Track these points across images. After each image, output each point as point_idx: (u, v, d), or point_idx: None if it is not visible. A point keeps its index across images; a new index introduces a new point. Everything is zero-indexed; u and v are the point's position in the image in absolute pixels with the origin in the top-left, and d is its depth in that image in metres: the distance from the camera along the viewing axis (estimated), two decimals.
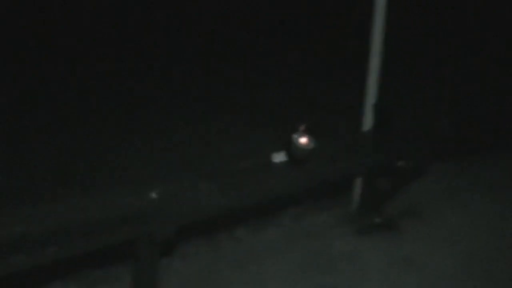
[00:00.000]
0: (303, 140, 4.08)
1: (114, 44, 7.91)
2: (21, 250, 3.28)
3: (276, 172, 4.19)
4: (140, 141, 5.57)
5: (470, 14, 7.78)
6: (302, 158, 4.14)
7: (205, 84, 6.59)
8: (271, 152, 4.20)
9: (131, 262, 3.88)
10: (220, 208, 4.02)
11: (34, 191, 4.62)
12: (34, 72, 7.01)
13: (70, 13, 8.40)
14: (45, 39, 7.75)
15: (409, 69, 6.41)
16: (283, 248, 4.57)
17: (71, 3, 8.56)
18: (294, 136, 4.08)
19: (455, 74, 6.56)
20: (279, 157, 4.18)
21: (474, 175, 5.65)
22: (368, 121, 4.72)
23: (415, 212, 5.05)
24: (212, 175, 4.10)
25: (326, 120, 5.04)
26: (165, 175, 4.66)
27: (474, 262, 4.52)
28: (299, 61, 6.88)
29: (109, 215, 3.66)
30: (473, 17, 7.73)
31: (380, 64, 4.58)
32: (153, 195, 3.77)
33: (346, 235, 4.74)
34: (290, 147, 4.12)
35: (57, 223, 3.49)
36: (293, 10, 7.99)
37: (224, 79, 6.71)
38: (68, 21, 8.24)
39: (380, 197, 4.92)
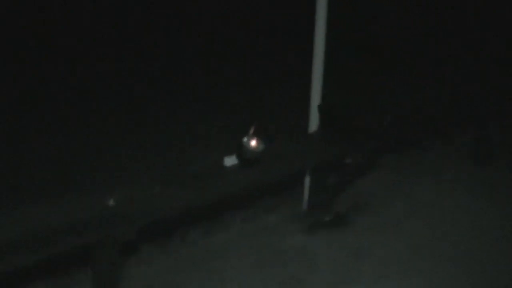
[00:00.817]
0: (253, 143, 4.23)
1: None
2: None
3: (228, 175, 4.32)
4: (95, 148, 5.63)
5: (410, 13, 8.01)
6: (253, 160, 4.29)
7: (156, 91, 6.63)
8: (223, 156, 4.33)
9: (91, 267, 3.97)
10: (175, 211, 4.14)
11: None
12: None
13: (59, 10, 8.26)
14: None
15: (352, 69, 6.61)
16: (236, 248, 4.70)
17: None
18: (244, 139, 4.23)
19: (395, 72, 6.81)
20: (230, 161, 4.31)
21: (416, 166, 5.90)
22: (314, 122, 4.88)
23: (363, 206, 5.24)
24: (166, 179, 4.21)
25: (274, 122, 5.17)
26: (120, 180, 4.73)
27: (420, 249, 4.74)
28: (245, 66, 6.98)
29: (67, 221, 3.74)
30: (412, 15, 7.95)
31: (323, 66, 4.75)
32: (111, 202, 3.87)
33: (298, 232, 4.90)
34: (240, 150, 4.26)
35: (15, 231, 3.55)
36: (237, 14, 8.07)
37: (174, 85, 6.77)
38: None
39: (329, 194, 5.10)
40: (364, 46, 7.12)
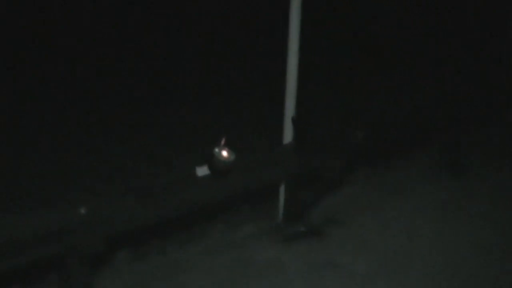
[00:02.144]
0: (224, 153, 4.27)
1: None
2: None
3: (200, 185, 4.36)
4: (68, 159, 5.64)
5: (381, 31, 8.08)
6: (224, 171, 4.33)
7: (128, 101, 6.64)
8: (194, 166, 4.37)
9: (62, 275, 4.00)
10: (147, 221, 4.17)
11: None
12: None
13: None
14: None
15: (324, 85, 6.67)
16: (209, 259, 4.73)
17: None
18: (215, 150, 4.27)
19: (365, 88, 6.88)
20: (202, 171, 4.35)
21: (388, 181, 5.93)
22: (288, 134, 4.93)
23: (336, 219, 5.27)
24: (139, 190, 4.24)
25: (248, 134, 5.24)
26: (92, 191, 4.76)
27: (389, 262, 4.78)
28: (219, 77, 7.01)
29: (39, 230, 3.78)
30: (385, 33, 8.03)
31: (297, 80, 4.80)
32: (82, 210, 3.90)
33: (271, 244, 4.93)
34: (212, 160, 4.30)
35: None
36: (212, 26, 8.08)
37: (147, 97, 6.78)
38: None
39: (303, 207, 5.13)
40: (339, 61, 7.19)
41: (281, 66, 4.83)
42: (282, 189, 5.08)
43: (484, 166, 6.17)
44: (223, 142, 4.28)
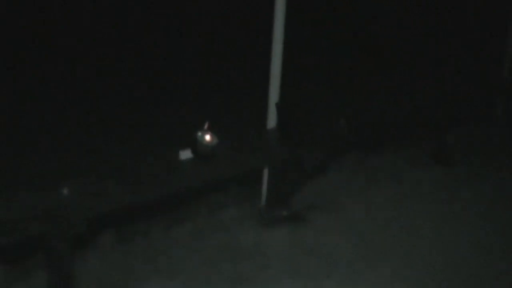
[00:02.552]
0: (207, 137, 4.32)
1: None
2: None
3: (183, 169, 4.40)
4: (50, 140, 5.68)
5: (365, 15, 8.09)
6: (207, 155, 4.38)
7: (111, 85, 6.66)
8: (177, 150, 4.41)
9: (45, 256, 4.05)
10: (129, 203, 4.22)
11: None
12: None
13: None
14: None
15: (308, 70, 6.71)
16: (192, 242, 4.77)
17: None
18: (198, 133, 4.32)
19: (352, 76, 6.92)
20: (185, 155, 4.40)
21: (377, 169, 6.00)
22: (272, 120, 4.97)
23: (321, 205, 5.33)
24: (122, 172, 4.28)
25: (232, 119, 5.27)
26: (75, 172, 4.80)
27: (371, 249, 4.83)
28: (204, 61, 7.04)
29: (21, 211, 3.82)
30: (368, 19, 8.03)
31: (281, 65, 4.84)
32: (64, 191, 3.94)
33: (254, 228, 4.98)
34: (195, 144, 4.34)
35: None
36: (198, 12, 8.10)
37: (131, 80, 6.81)
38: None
39: (286, 191, 5.18)
40: (326, 48, 7.23)
41: (266, 51, 4.86)
42: (265, 174, 5.13)
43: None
44: (206, 126, 4.32)
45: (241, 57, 6.96)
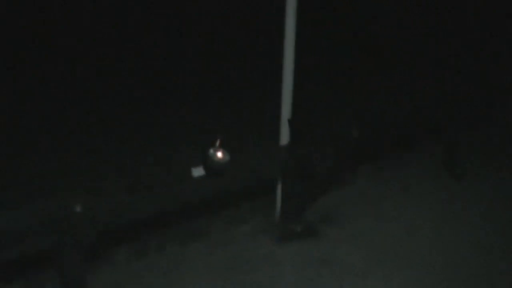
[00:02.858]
0: (218, 154, 4.37)
1: None
2: None
3: (195, 185, 4.46)
4: (64, 157, 5.77)
5: (375, 29, 8.07)
6: (219, 172, 4.43)
7: (126, 100, 6.71)
8: (190, 167, 4.47)
9: (57, 269, 4.13)
10: (142, 218, 4.29)
11: None
12: None
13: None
14: None
15: (321, 84, 6.71)
16: (207, 256, 4.85)
17: None
18: (210, 150, 4.37)
19: (362, 87, 6.91)
20: (197, 172, 4.45)
21: (385, 179, 6.03)
22: (285, 135, 5.01)
23: (333, 217, 5.36)
24: (133, 187, 4.35)
25: (245, 135, 5.32)
26: (88, 187, 4.88)
27: (384, 261, 4.85)
28: (216, 78, 7.05)
29: (35, 225, 3.92)
30: (384, 31, 8.01)
31: (293, 80, 4.87)
32: (77, 208, 4.02)
33: (267, 242, 5.03)
34: (207, 161, 4.40)
35: None
36: (209, 26, 8.10)
37: (144, 94, 6.84)
38: None
39: (299, 205, 5.22)
40: (336, 59, 7.23)
41: (278, 67, 4.90)
42: (279, 188, 5.17)
43: (484, 166, 6.23)
44: (218, 143, 4.38)
45: (252, 73, 6.99)
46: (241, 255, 4.88)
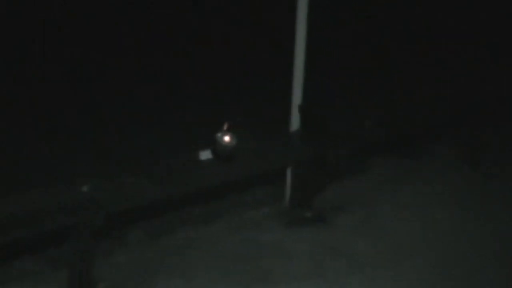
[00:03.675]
0: (226, 138, 4.42)
1: None
2: None
3: (206, 170, 4.52)
4: (74, 140, 5.87)
5: (386, 17, 7.96)
6: (226, 155, 4.48)
7: (133, 84, 6.77)
8: (198, 150, 4.53)
9: (69, 247, 4.23)
10: (147, 201, 4.37)
11: None
12: None
13: None
14: None
15: (332, 71, 6.68)
16: (218, 240, 4.89)
17: None
18: (218, 134, 4.42)
19: (376, 77, 6.85)
20: (205, 155, 4.51)
21: (406, 170, 5.95)
22: (295, 121, 5.03)
23: (345, 206, 5.36)
24: (143, 171, 4.43)
25: (255, 120, 5.34)
26: (97, 171, 4.96)
27: (397, 253, 4.81)
28: (228, 63, 7.05)
29: (48, 205, 4.03)
30: (390, 21, 7.90)
31: (304, 67, 4.89)
32: (84, 188, 4.12)
33: (277, 228, 5.06)
34: (215, 145, 4.45)
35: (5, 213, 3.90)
36: (218, 11, 8.06)
37: (152, 79, 6.88)
38: None
39: (310, 192, 5.23)
40: (350, 48, 7.16)
41: (289, 53, 4.92)
42: (289, 175, 5.20)
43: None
44: (225, 127, 4.42)
45: (264, 58, 6.98)
46: (250, 240, 4.91)
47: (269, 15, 7.77)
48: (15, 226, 3.91)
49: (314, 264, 4.66)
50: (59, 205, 4.03)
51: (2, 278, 4.28)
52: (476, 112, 5.98)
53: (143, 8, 8.17)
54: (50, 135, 5.88)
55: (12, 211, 3.92)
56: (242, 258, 4.70)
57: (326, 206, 5.30)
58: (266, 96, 6.32)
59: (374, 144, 5.41)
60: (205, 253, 4.75)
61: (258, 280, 4.46)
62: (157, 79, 6.92)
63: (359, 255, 4.76)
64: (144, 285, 4.36)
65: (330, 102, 5.86)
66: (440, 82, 6.67)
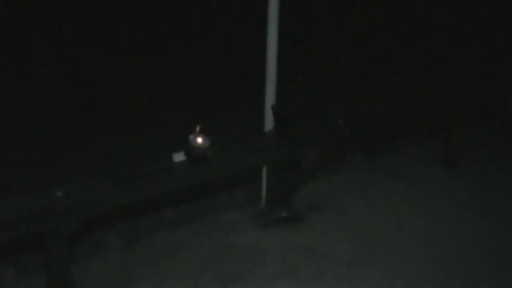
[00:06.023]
0: (199, 139, 4.39)
1: None
2: None
3: (177, 171, 4.49)
4: (46, 145, 5.81)
5: (358, 18, 7.97)
6: (200, 157, 4.45)
7: (105, 86, 6.69)
8: (171, 152, 4.50)
9: (44, 254, 4.18)
10: (122, 205, 4.32)
11: None
12: None
13: None
14: None
15: (306, 73, 6.68)
16: (189, 245, 4.86)
17: None
18: (190, 136, 4.39)
19: (350, 77, 6.86)
20: (178, 157, 4.48)
21: (380, 169, 5.99)
22: (269, 122, 5.02)
23: (321, 205, 5.36)
24: (115, 175, 4.38)
25: (228, 121, 5.31)
26: (70, 175, 4.92)
27: (369, 250, 4.83)
28: (200, 64, 7.01)
29: (20, 212, 3.97)
30: (362, 20, 7.90)
31: (277, 66, 4.88)
32: (57, 193, 4.07)
33: (252, 229, 5.04)
34: (187, 146, 4.43)
35: None
36: (191, 12, 8.02)
37: (125, 81, 6.83)
38: None
39: (285, 192, 5.22)
40: (323, 49, 7.17)
41: (262, 53, 4.91)
42: (265, 175, 5.18)
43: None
44: (198, 128, 4.40)
45: (236, 59, 6.97)
46: (225, 242, 4.89)
47: (241, 14, 7.77)
48: None
49: (289, 264, 4.65)
50: (32, 211, 3.97)
51: None
52: (450, 111, 6.00)
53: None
54: (23, 140, 5.83)
55: None
56: (218, 260, 4.68)
57: (301, 206, 5.30)
58: (240, 97, 6.32)
59: (347, 143, 5.39)
60: (181, 256, 4.72)
61: (234, 281, 4.45)
62: (130, 82, 6.90)
63: (334, 255, 4.75)
64: None
65: (303, 101, 5.87)
66: (415, 80, 6.71)
